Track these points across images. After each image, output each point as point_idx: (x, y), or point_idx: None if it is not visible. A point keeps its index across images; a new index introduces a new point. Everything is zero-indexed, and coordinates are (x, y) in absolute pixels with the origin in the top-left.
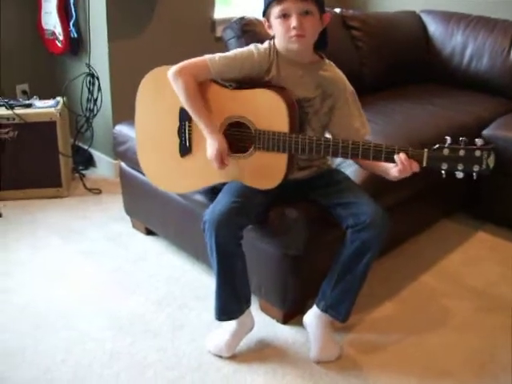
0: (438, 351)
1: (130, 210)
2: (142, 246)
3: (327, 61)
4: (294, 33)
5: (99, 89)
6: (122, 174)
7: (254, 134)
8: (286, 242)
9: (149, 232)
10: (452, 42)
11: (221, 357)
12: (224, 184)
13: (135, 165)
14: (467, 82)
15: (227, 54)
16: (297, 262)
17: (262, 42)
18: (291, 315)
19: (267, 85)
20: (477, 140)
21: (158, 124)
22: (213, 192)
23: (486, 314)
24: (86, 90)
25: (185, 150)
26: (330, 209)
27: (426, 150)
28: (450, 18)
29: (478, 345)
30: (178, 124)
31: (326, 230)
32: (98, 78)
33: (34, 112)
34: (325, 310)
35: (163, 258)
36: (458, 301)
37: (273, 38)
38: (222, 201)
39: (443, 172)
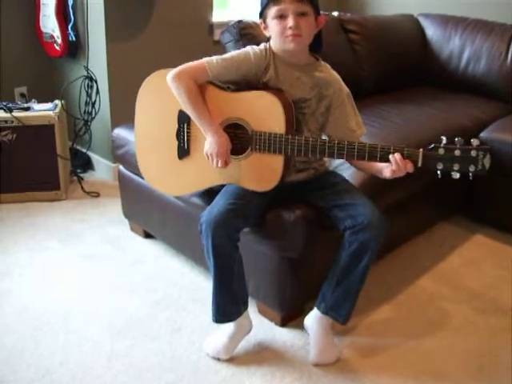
0: (436, 354)
1: (128, 213)
2: (140, 249)
3: (323, 62)
4: (290, 32)
5: (97, 92)
6: (121, 178)
7: (250, 135)
8: (283, 245)
9: (147, 235)
10: (450, 45)
11: (219, 359)
12: (221, 186)
13: (134, 168)
14: (465, 85)
15: (224, 55)
16: (295, 265)
17: (259, 45)
18: (289, 318)
19: (264, 87)
20: (472, 140)
21: (157, 126)
22: (210, 195)
23: (483, 317)
24: (84, 93)
25: (183, 152)
26: (328, 211)
27: (421, 149)
28: (447, 21)
29: (476, 347)
30: (176, 127)
31: (324, 232)
32: (96, 81)
33: (32, 115)
34: (325, 312)
35: (161, 261)
36: (456, 303)
37: (269, 39)
38: (219, 203)
39: (439, 172)
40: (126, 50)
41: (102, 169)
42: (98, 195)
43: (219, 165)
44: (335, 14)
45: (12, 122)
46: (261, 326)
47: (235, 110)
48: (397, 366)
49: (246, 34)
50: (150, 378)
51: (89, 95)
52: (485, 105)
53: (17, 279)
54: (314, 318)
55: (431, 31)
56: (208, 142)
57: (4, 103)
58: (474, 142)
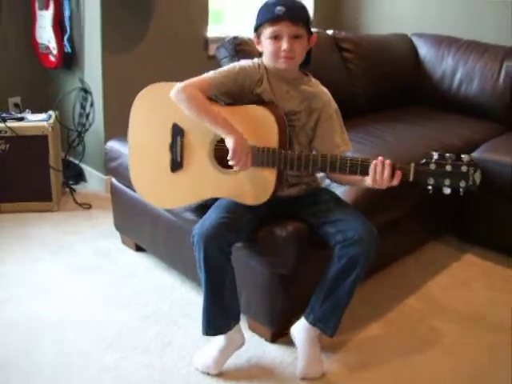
0: (425, 372)
1: (119, 226)
2: (131, 262)
3: (313, 78)
4: (283, 54)
5: (92, 104)
6: (113, 190)
7: None
8: (275, 261)
9: (138, 248)
10: (442, 65)
11: (208, 374)
12: (214, 200)
13: (126, 181)
14: (457, 105)
15: (222, 69)
16: (286, 281)
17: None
18: (279, 334)
19: (257, 99)
20: (463, 156)
21: (150, 139)
22: (202, 209)
23: (473, 336)
24: (78, 104)
25: (176, 165)
26: (318, 228)
27: (412, 164)
28: (440, 41)
29: (466, 367)
30: (170, 140)
31: (315, 249)
32: (90, 94)
33: (26, 125)
34: (313, 323)
35: (152, 275)
36: (445, 322)
37: (261, 54)
38: (212, 216)
39: (430, 187)
40: (121, 63)
41: (95, 181)
42: (89, 207)
43: (240, 165)
44: (330, 32)
45: (6, 132)
46: (251, 342)
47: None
48: (386, 383)
49: (242, 50)
50: None
51: (83, 107)
52: (477, 125)
53: (7, 290)
54: (301, 328)
55: (424, 51)
56: (226, 143)
57: None
58: (465, 157)
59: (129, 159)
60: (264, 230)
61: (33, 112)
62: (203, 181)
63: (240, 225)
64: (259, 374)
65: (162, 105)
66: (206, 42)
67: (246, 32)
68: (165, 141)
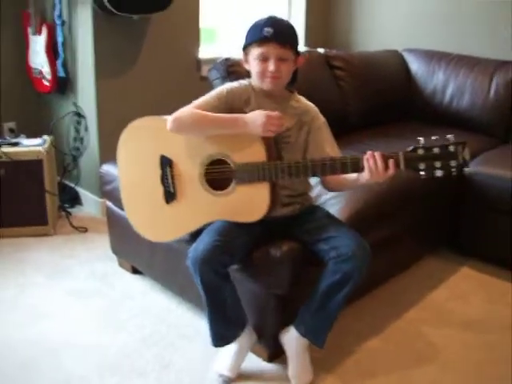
0: None
1: (116, 249)
2: (128, 284)
3: (298, 95)
4: (270, 75)
5: (86, 128)
6: (109, 214)
7: (234, 168)
8: (270, 282)
9: (135, 271)
10: (434, 80)
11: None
12: (209, 224)
13: (121, 204)
14: (449, 119)
15: (211, 93)
16: (281, 302)
17: None
18: (276, 353)
19: None
20: (448, 136)
21: (140, 175)
22: (197, 232)
23: (472, 351)
24: (72, 128)
25: (170, 196)
26: (312, 245)
27: (400, 152)
28: (431, 56)
29: (464, 381)
30: (160, 172)
31: (311, 269)
32: (84, 118)
33: (21, 150)
34: (304, 334)
35: (149, 297)
36: (444, 337)
37: (249, 72)
38: (205, 239)
39: (423, 173)
40: (114, 86)
41: (90, 204)
42: (86, 230)
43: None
44: (321, 50)
45: (1, 157)
46: (248, 361)
47: (216, 145)
48: None
49: (234, 71)
50: None
51: (77, 131)
52: (469, 139)
53: (4, 315)
54: (292, 337)
55: (415, 66)
56: (252, 126)
57: None
58: (451, 137)
59: (122, 197)
60: (259, 251)
61: (28, 137)
62: (198, 206)
63: (234, 247)
64: None
65: (147, 138)
66: (199, 63)
67: (240, 51)
68: (155, 174)
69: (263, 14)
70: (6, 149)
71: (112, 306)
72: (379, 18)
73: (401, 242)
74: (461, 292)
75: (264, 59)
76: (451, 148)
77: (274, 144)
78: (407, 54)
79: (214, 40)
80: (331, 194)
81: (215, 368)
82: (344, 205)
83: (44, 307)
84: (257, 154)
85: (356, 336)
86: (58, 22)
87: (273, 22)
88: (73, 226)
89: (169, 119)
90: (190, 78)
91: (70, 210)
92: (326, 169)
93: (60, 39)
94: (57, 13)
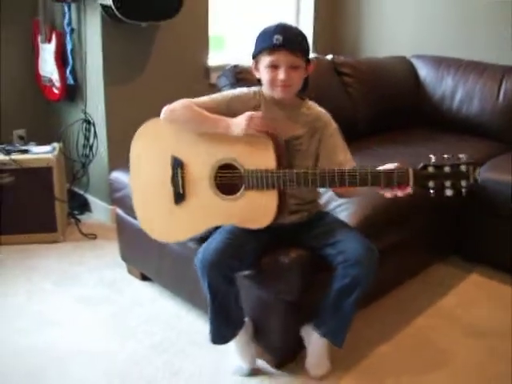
0: None
1: (125, 255)
2: (137, 291)
3: (309, 101)
4: (281, 83)
5: (95, 135)
6: (119, 221)
7: (243, 174)
8: (279, 289)
9: (144, 278)
10: (442, 86)
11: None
12: (217, 227)
13: (131, 211)
14: (458, 125)
15: (216, 94)
16: (291, 308)
17: None
18: (285, 361)
19: None
20: (461, 156)
21: (152, 176)
22: (207, 238)
23: (482, 358)
24: (82, 136)
25: (179, 197)
26: (320, 250)
27: (410, 169)
28: (440, 62)
29: None
30: (171, 172)
31: (320, 275)
32: (93, 125)
33: (30, 158)
34: (323, 335)
35: (159, 304)
36: (453, 344)
37: (260, 80)
38: (215, 241)
39: (432, 191)
40: (123, 93)
41: (100, 211)
42: (95, 237)
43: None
44: (329, 57)
45: (10, 164)
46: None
47: (227, 150)
48: None
49: (242, 78)
50: None
51: (86, 138)
52: (478, 144)
53: (13, 323)
54: (313, 336)
55: (424, 72)
56: (234, 128)
57: (3, 146)
58: (463, 157)
59: (133, 199)
60: (268, 258)
61: (37, 144)
62: (206, 209)
63: (243, 253)
64: None
65: (159, 139)
66: (207, 70)
67: (248, 58)
68: (166, 174)
69: (272, 21)
70: (15, 156)
71: (121, 313)
72: (387, 25)
73: (410, 248)
74: (470, 299)
75: (274, 67)
76: (463, 168)
77: (285, 152)
78: (416, 60)
79: (223, 47)
80: (340, 200)
81: (232, 369)
82: (353, 211)
83: (52, 314)
84: (267, 161)
85: (367, 342)
86: (67, 29)
87: (282, 29)
88: (82, 233)
89: (165, 107)
90: (199, 85)
91: (79, 216)
92: (335, 180)
93: (69, 47)
94: (66, 21)
